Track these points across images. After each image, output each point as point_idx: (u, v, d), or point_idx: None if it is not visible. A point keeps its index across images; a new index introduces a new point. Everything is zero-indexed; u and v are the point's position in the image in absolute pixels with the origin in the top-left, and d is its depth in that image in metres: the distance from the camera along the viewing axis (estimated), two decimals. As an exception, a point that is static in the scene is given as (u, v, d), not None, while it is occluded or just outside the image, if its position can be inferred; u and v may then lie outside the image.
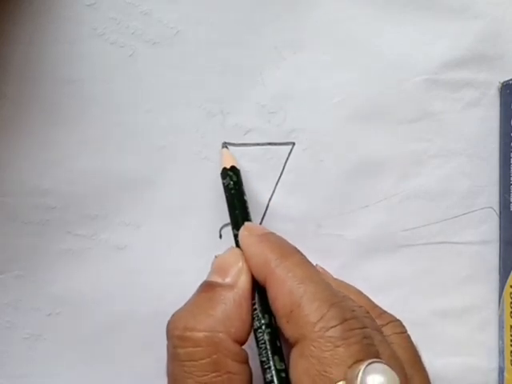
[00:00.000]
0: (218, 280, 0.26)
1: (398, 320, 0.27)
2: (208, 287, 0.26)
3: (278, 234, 0.30)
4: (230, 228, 0.30)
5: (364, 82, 0.31)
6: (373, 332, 0.24)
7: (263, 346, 0.25)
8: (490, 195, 0.33)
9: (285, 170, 0.31)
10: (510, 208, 0.32)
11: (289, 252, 0.26)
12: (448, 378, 0.32)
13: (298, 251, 0.26)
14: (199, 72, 0.30)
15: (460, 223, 0.32)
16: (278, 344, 0.25)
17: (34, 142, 0.29)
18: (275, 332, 0.25)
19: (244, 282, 0.25)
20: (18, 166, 0.28)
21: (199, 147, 0.30)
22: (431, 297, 0.32)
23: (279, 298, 0.24)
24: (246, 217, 0.28)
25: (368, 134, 0.31)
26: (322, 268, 0.30)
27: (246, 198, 0.28)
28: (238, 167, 0.29)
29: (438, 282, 0.32)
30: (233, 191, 0.28)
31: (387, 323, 0.27)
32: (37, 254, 0.29)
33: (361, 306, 0.26)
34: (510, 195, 0.32)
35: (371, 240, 0.32)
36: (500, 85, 0.32)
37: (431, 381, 0.30)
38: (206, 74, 0.30)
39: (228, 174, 0.28)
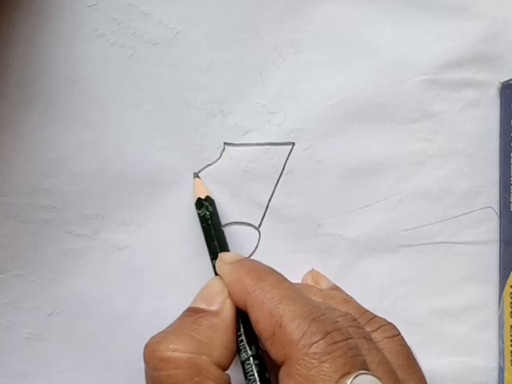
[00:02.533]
0: (203, 306, 0.26)
1: (390, 323, 0.27)
2: (192, 312, 0.26)
3: (278, 234, 0.31)
4: (230, 228, 0.30)
5: (364, 82, 0.31)
6: (359, 341, 0.24)
7: (252, 377, 0.25)
8: (490, 195, 0.32)
9: (285, 170, 0.31)
10: (510, 208, 0.32)
11: (264, 274, 0.25)
12: (448, 377, 0.32)
13: (274, 271, 0.26)
14: (199, 72, 0.30)
15: (460, 223, 0.32)
16: (267, 375, 0.25)
17: (34, 142, 0.29)
18: (263, 363, 0.25)
19: (229, 310, 0.25)
20: (18, 166, 0.29)
21: (199, 147, 0.30)
22: (431, 297, 0.32)
23: (260, 321, 0.24)
24: (224, 247, 0.28)
25: (368, 134, 0.31)
26: (316, 272, 0.30)
27: (222, 227, 0.29)
28: (212, 197, 0.29)
29: (437, 282, 0.32)
30: (209, 221, 0.28)
31: (377, 328, 0.26)
32: (37, 253, 0.29)
33: (346, 314, 0.25)
34: (510, 195, 0.32)
35: (371, 240, 0.32)
36: (500, 85, 0.32)
37: (431, 381, 0.30)
38: (205, 74, 0.30)
39: (203, 205, 0.28)
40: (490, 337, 0.32)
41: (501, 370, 0.32)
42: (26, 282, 0.29)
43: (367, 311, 0.28)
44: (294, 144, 0.31)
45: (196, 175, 0.30)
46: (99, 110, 0.29)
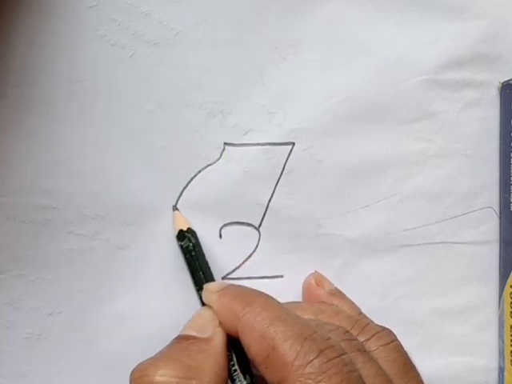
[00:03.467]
0: (193, 333, 0.25)
1: (385, 329, 0.27)
2: (182, 339, 0.25)
3: (278, 234, 0.31)
4: (230, 228, 0.30)
5: (364, 81, 0.31)
6: (353, 354, 0.23)
7: None
8: (490, 195, 0.32)
9: (285, 170, 0.31)
10: (510, 208, 0.32)
11: (252, 297, 0.25)
12: (448, 378, 0.32)
13: (261, 293, 0.26)
14: (199, 72, 0.30)
15: (460, 223, 0.32)
16: None
17: (34, 142, 0.29)
18: None
19: (220, 337, 0.25)
20: (18, 166, 0.29)
21: (199, 147, 0.30)
22: (431, 297, 0.32)
23: (253, 345, 0.24)
24: (210, 277, 0.28)
25: (368, 134, 0.31)
26: (319, 274, 0.30)
27: (205, 258, 0.29)
28: (193, 228, 0.29)
29: (437, 282, 0.32)
30: (193, 253, 0.28)
31: (372, 336, 0.26)
32: (37, 253, 0.29)
33: (338, 328, 0.25)
34: (510, 195, 0.32)
35: (371, 240, 0.32)
36: (500, 85, 0.32)
37: (431, 381, 0.30)
38: (206, 75, 0.30)
39: (186, 236, 0.29)
40: (490, 337, 0.32)
41: (501, 370, 0.32)
42: (26, 282, 0.29)
43: (360, 318, 0.27)
44: (294, 144, 0.31)
45: (175, 208, 0.30)
46: (99, 110, 0.29)
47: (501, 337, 0.32)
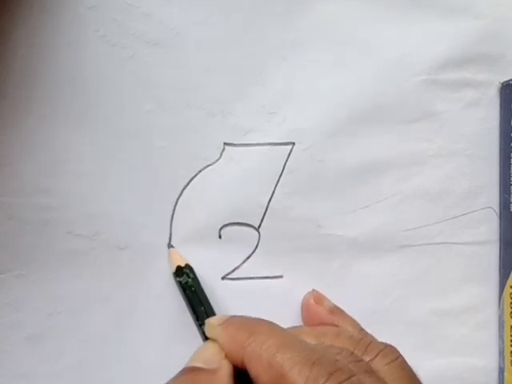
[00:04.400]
0: (200, 365, 0.25)
1: (388, 345, 0.27)
2: (189, 370, 0.25)
3: (278, 234, 0.31)
4: (230, 228, 0.30)
5: (364, 81, 0.31)
6: (361, 376, 0.23)
7: None
8: (490, 195, 0.32)
9: (285, 170, 0.31)
10: (509, 208, 0.32)
11: (255, 326, 0.25)
12: (448, 377, 0.32)
13: (264, 320, 0.26)
14: (199, 72, 0.30)
15: (460, 223, 0.32)
16: None
17: (34, 142, 0.29)
18: None
19: (227, 368, 0.25)
20: (18, 166, 0.29)
21: (199, 147, 0.30)
22: (431, 297, 0.32)
23: (261, 375, 0.23)
24: (211, 312, 0.28)
25: (368, 134, 0.31)
26: (317, 292, 0.30)
27: (204, 292, 0.29)
28: (190, 264, 0.29)
29: (437, 282, 0.32)
30: (193, 288, 0.29)
31: (376, 355, 0.26)
32: (38, 253, 0.29)
33: (343, 350, 0.25)
34: (510, 195, 0.32)
35: (371, 240, 0.32)
36: (500, 85, 0.32)
37: (431, 381, 0.30)
38: (206, 75, 0.30)
39: (184, 272, 0.29)
40: (489, 337, 0.32)
41: (501, 371, 0.32)
42: (26, 282, 0.29)
43: (362, 337, 0.27)
44: (294, 144, 0.31)
45: (170, 246, 0.30)
46: (100, 110, 0.29)
47: (501, 337, 0.32)
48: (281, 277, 0.31)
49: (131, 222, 0.30)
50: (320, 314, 0.29)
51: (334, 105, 0.31)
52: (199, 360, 0.26)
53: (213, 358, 0.25)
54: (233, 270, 0.30)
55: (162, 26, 0.30)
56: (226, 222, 0.30)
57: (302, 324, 0.30)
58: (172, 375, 0.26)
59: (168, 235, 0.30)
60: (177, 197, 0.30)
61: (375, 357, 0.26)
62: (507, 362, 0.32)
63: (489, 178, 0.32)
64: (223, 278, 0.30)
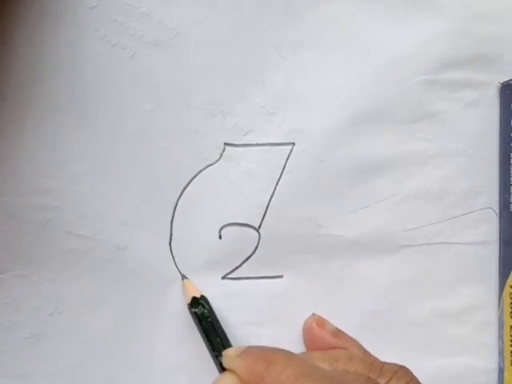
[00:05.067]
0: None
1: (401, 367, 0.27)
2: None
3: (279, 234, 0.31)
4: (230, 228, 0.30)
5: (364, 81, 0.31)
6: None
7: None
8: (490, 195, 0.32)
9: (285, 170, 0.31)
10: (509, 208, 0.32)
11: (273, 356, 0.25)
12: (448, 377, 0.32)
13: (280, 350, 0.26)
14: (199, 73, 0.30)
15: (460, 223, 0.32)
16: None
17: (34, 142, 0.29)
18: None
19: None
20: (18, 166, 0.29)
21: (199, 148, 0.30)
22: (431, 297, 0.32)
23: None
24: (227, 343, 0.28)
25: (368, 134, 0.31)
26: (319, 316, 0.30)
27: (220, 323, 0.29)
28: (204, 296, 0.29)
29: (437, 282, 0.32)
30: (209, 319, 0.28)
31: (391, 378, 0.26)
32: (38, 253, 0.29)
33: (360, 375, 0.25)
34: (509, 195, 0.32)
35: (371, 240, 0.32)
36: (499, 85, 0.32)
37: (431, 382, 0.30)
38: (206, 75, 0.30)
39: (200, 303, 0.29)
40: (489, 337, 0.32)
41: (500, 371, 0.32)
42: (26, 282, 0.29)
43: (374, 361, 0.27)
44: (294, 144, 0.31)
45: (184, 277, 0.30)
46: (100, 110, 0.29)
47: (500, 337, 0.32)
48: (281, 277, 0.31)
49: (131, 221, 0.30)
50: (324, 337, 0.29)
51: (333, 105, 0.31)
52: None
53: None
54: (233, 270, 0.31)
55: (161, 26, 0.30)
56: (226, 222, 0.30)
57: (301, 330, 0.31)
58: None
59: (168, 235, 0.30)
60: (177, 197, 0.30)
61: (390, 379, 0.26)
62: (507, 362, 0.32)
63: (489, 178, 0.32)
64: (223, 278, 0.30)
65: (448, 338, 0.32)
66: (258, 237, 0.31)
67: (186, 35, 0.30)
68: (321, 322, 0.30)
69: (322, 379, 0.24)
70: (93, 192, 0.29)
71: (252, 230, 0.31)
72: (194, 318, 0.29)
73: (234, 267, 0.31)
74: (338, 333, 0.30)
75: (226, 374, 0.26)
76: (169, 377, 0.30)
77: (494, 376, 0.32)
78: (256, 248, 0.31)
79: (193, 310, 0.29)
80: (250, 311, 0.31)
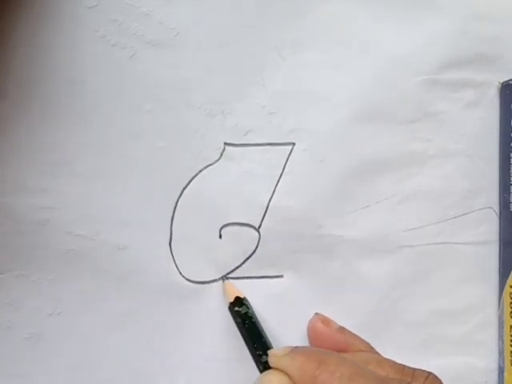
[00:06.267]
0: None
1: (430, 373, 0.27)
2: None
3: (279, 234, 0.31)
4: (230, 228, 0.30)
5: (364, 81, 0.31)
6: None
7: None
8: (490, 195, 0.32)
9: (285, 170, 0.31)
10: (509, 208, 0.32)
11: (325, 356, 0.25)
12: (448, 377, 0.32)
13: (330, 352, 0.26)
14: (199, 73, 0.30)
15: (460, 223, 0.32)
16: None
17: (34, 142, 0.29)
18: None
19: None
20: (18, 166, 0.29)
21: (199, 148, 0.30)
22: (431, 297, 0.32)
23: None
24: (269, 343, 0.28)
25: (368, 134, 0.31)
26: (323, 315, 0.30)
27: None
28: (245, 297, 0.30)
29: (438, 283, 0.32)
30: (253, 319, 0.29)
31: (423, 383, 0.26)
32: (37, 253, 0.29)
33: (401, 381, 0.25)
34: (509, 195, 0.32)
35: (371, 240, 0.32)
36: (500, 85, 0.32)
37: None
38: (206, 75, 0.30)
39: (244, 303, 0.29)
40: (489, 337, 0.32)
41: (501, 370, 0.32)
42: (26, 282, 0.29)
43: (404, 367, 0.27)
44: (294, 144, 0.31)
45: (225, 278, 0.30)
46: (100, 110, 0.29)
47: (500, 337, 0.32)
48: (281, 277, 0.31)
49: (131, 222, 0.30)
50: (330, 334, 0.30)
51: (334, 105, 0.31)
52: None
53: None
54: (233, 270, 0.31)
55: (162, 26, 0.30)
56: (226, 222, 0.30)
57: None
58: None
59: (168, 235, 0.30)
60: (177, 197, 0.30)
61: None
62: (507, 362, 0.32)
63: (489, 178, 0.32)
64: (223, 277, 0.30)
65: (448, 337, 0.32)
66: (258, 237, 0.31)
67: (186, 35, 0.30)
68: (326, 320, 0.30)
69: (376, 379, 0.24)
70: (93, 192, 0.29)
71: (252, 230, 0.31)
72: (235, 318, 0.29)
73: (234, 267, 0.31)
74: (343, 330, 0.30)
75: (275, 373, 0.26)
76: (169, 377, 0.30)
77: (494, 376, 0.32)
78: (256, 248, 0.31)
79: (236, 309, 0.29)
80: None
